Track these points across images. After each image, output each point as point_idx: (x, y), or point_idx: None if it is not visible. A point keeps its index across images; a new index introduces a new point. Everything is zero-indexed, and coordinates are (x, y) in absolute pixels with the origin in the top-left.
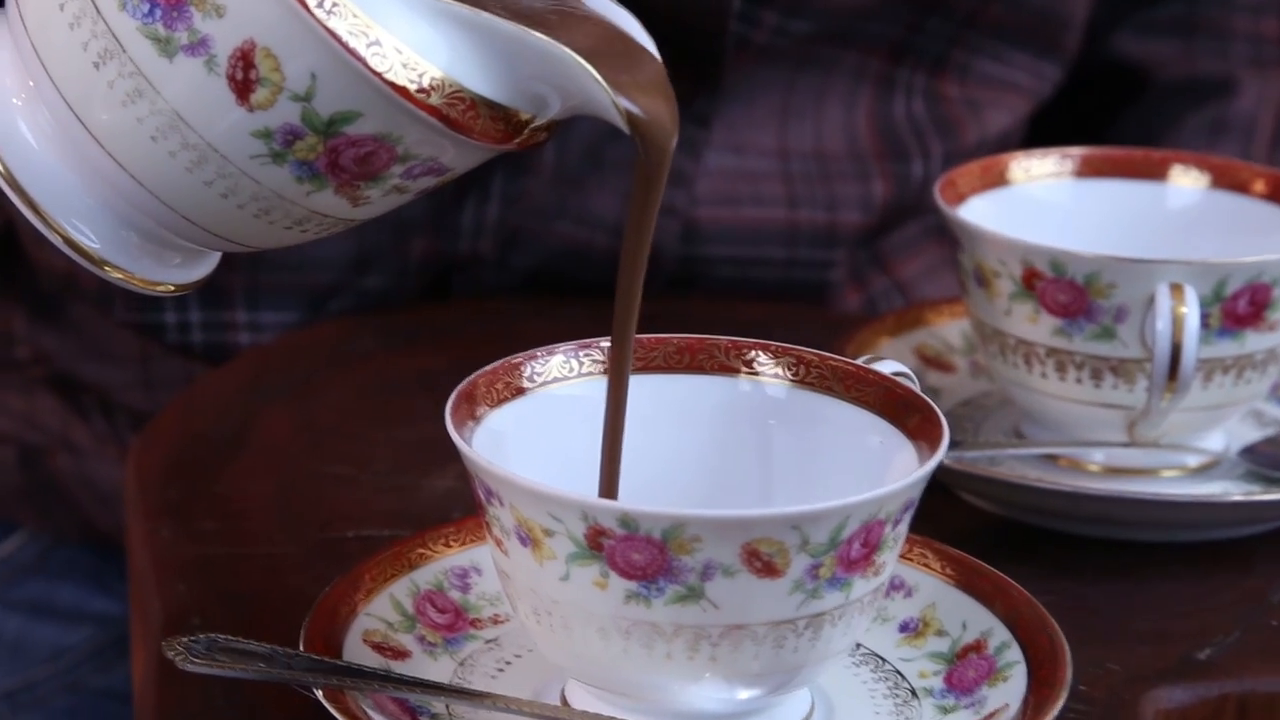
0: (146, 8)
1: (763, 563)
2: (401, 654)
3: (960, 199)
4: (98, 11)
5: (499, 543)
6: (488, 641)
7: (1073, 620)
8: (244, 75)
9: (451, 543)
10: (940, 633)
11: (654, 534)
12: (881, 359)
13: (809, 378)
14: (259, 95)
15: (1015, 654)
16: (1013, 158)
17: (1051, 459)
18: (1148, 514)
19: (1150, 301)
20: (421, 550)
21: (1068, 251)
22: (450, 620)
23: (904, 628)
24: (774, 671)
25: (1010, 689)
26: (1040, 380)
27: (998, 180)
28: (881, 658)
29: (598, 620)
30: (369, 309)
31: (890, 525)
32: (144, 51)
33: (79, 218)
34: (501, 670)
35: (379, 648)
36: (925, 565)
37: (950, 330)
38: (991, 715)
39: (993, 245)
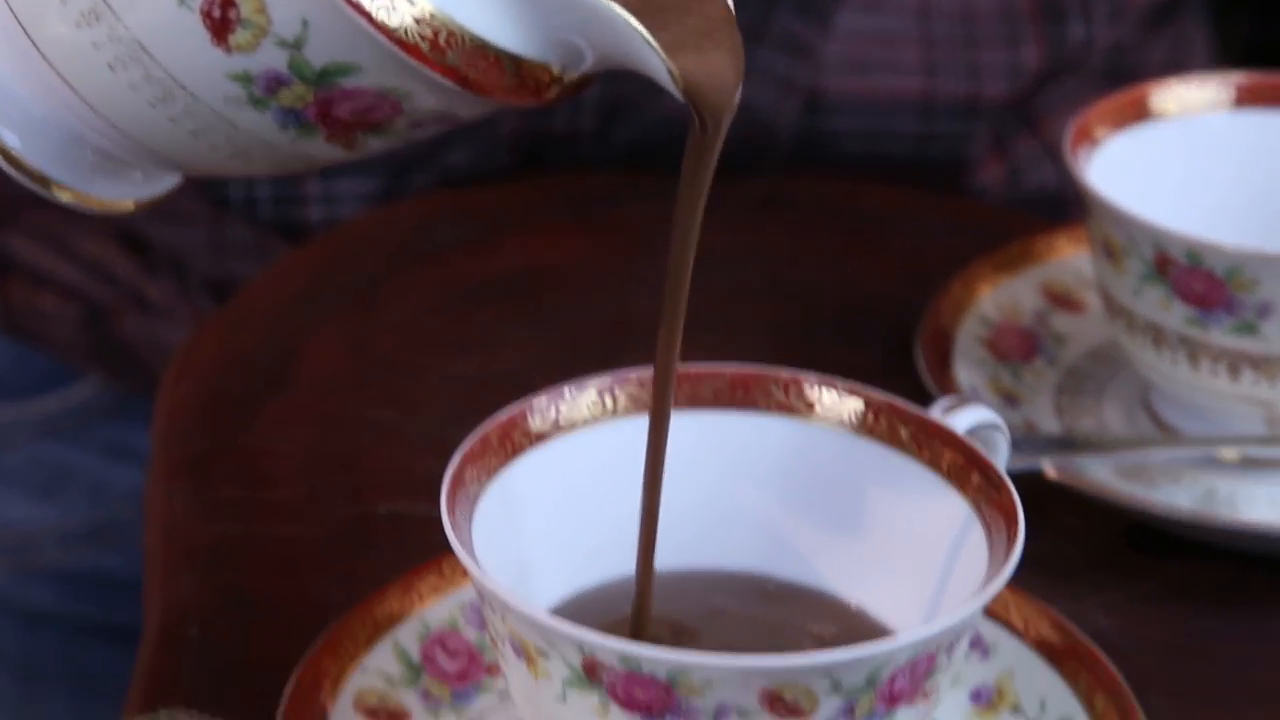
0: None
1: (786, 706)
2: (399, 717)
3: (1094, 143)
4: None
5: (494, 643)
6: (501, 694)
7: (1178, 669)
8: (222, 13)
9: None
10: (1015, 709)
11: (658, 675)
12: (969, 404)
13: (877, 428)
14: (239, 37)
15: None
16: (1161, 86)
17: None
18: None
19: None
20: (435, 578)
21: (1206, 243)
22: (462, 667)
23: (976, 697)
24: None
25: None
26: (1170, 366)
27: (1141, 113)
28: None
29: None
30: (454, 184)
31: (944, 653)
32: None
33: (21, 130)
34: None
35: (373, 714)
36: (1007, 620)
37: (1084, 260)
38: None
39: (1121, 223)
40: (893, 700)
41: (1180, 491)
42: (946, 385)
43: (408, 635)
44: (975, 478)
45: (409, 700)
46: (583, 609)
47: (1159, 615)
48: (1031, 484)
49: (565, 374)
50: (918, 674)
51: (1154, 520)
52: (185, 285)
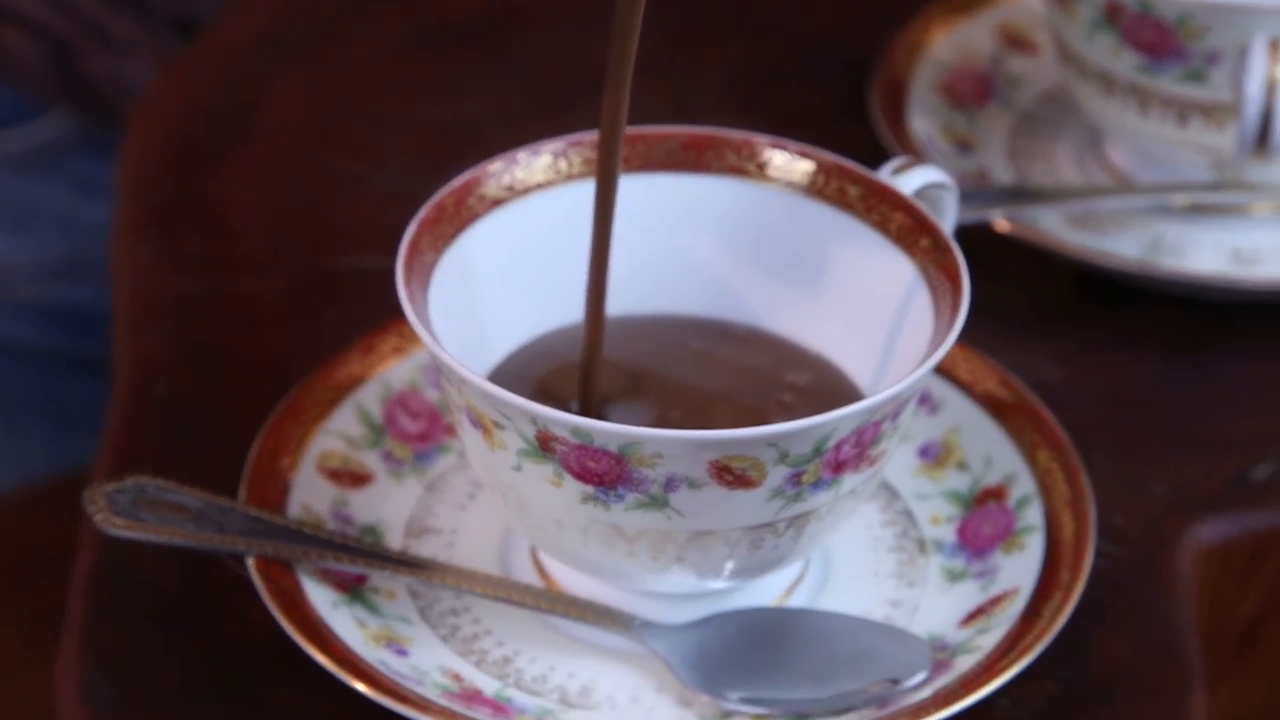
0: None
1: (734, 476)
2: (362, 479)
3: None
4: None
5: (452, 412)
6: (462, 454)
7: (1121, 421)
8: None
9: None
10: (961, 465)
11: (610, 448)
12: (918, 165)
13: (827, 189)
14: None
15: (1036, 515)
16: None
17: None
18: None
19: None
20: (396, 339)
21: None
22: (424, 428)
23: (924, 453)
24: (751, 568)
25: (1024, 565)
26: (1120, 113)
27: None
28: (895, 492)
29: (554, 513)
30: None
31: (889, 421)
32: None
33: None
34: (473, 498)
35: (335, 476)
36: (955, 377)
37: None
38: (999, 599)
39: None
40: (839, 468)
41: (1129, 239)
42: (900, 135)
43: (369, 397)
44: (923, 241)
45: (371, 462)
46: (536, 355)
47: (1105, 366)
48: (982, 236)
49: (529, 122)
50: (863, 442)
51: (1102, 270)
52: (147, 20)
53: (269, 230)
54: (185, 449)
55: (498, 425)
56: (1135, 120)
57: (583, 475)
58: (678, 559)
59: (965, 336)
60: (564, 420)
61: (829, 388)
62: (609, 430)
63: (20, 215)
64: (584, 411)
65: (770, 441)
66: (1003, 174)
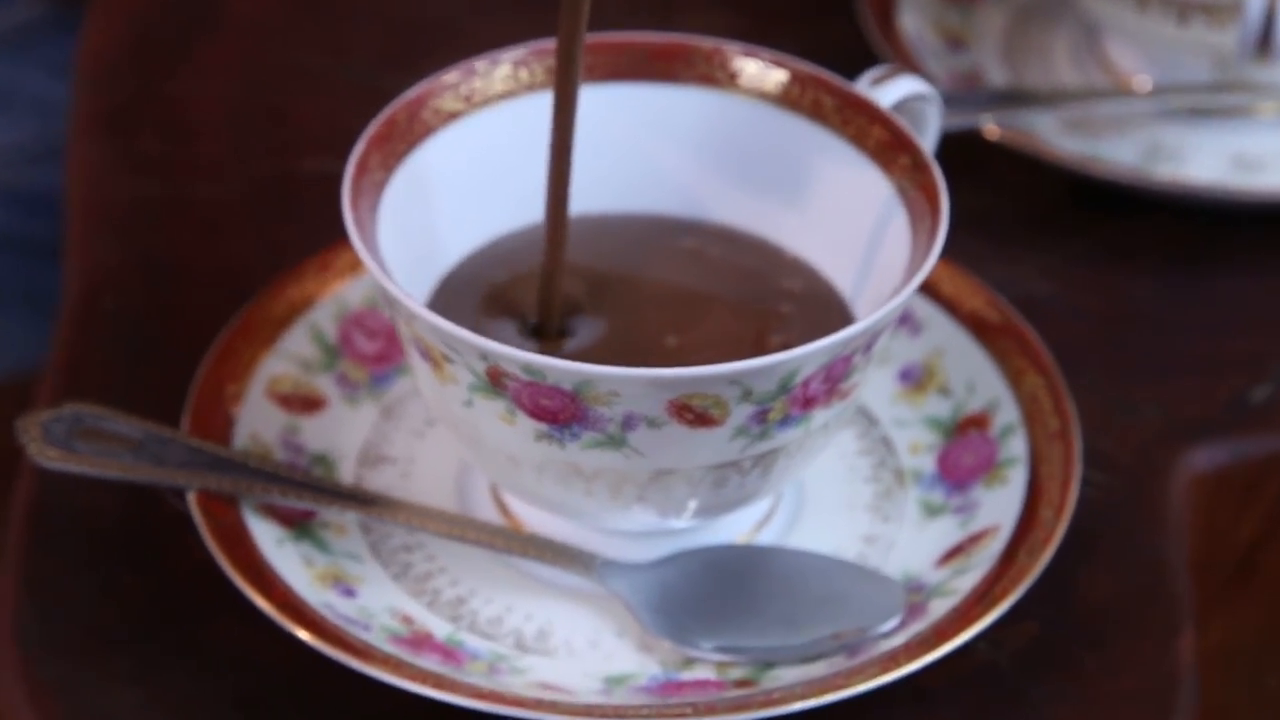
0: None
1: (695, 415)
2: (314, 404)
3: None
4: None
5: (401, 344)
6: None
7: (1112, 339)
8: None
9: None
10: (944, 391)
11: (563, 385)
12: (898, 75)
13: (802, 101)
14: None
15: (1020, 447)
16: None
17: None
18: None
19: None
20: (353, 255)
21: None
22: (381, 348)
23: (904, 376)
24: (716, 506)
25: (1006, 501)
26: (1117, 9)
27: None
28: (873, 419)
29: (507, 449)
30: None
31: (861, 354)
32: None
33: None
34: (430, 425)
35: (286, 401)
36: (939, 295)
37: None
38: (978, 537)
39: None
40: (807, 404)
41: (1125, 144)
42: (889, 32)
43: (324, 316)
44: (902, 158)
45: (325, 386)
46: (493, 259)
47: (1097, 280)
48: (972, 141)
49: (507, 15)
50: (834, 376)
51: (1096, 178)
52: None
53: (231, 131)
54: (132, 369)
55: (447, 359)
56: (1134, 18)
57: (536, 413)
58: (638, 498)
59: (952, 248)
60: (514, 357)
61: (821, 298)
62: (562, 368)
63: None
64: (544, 324)
65: (733, 379)
66: (996, 74)
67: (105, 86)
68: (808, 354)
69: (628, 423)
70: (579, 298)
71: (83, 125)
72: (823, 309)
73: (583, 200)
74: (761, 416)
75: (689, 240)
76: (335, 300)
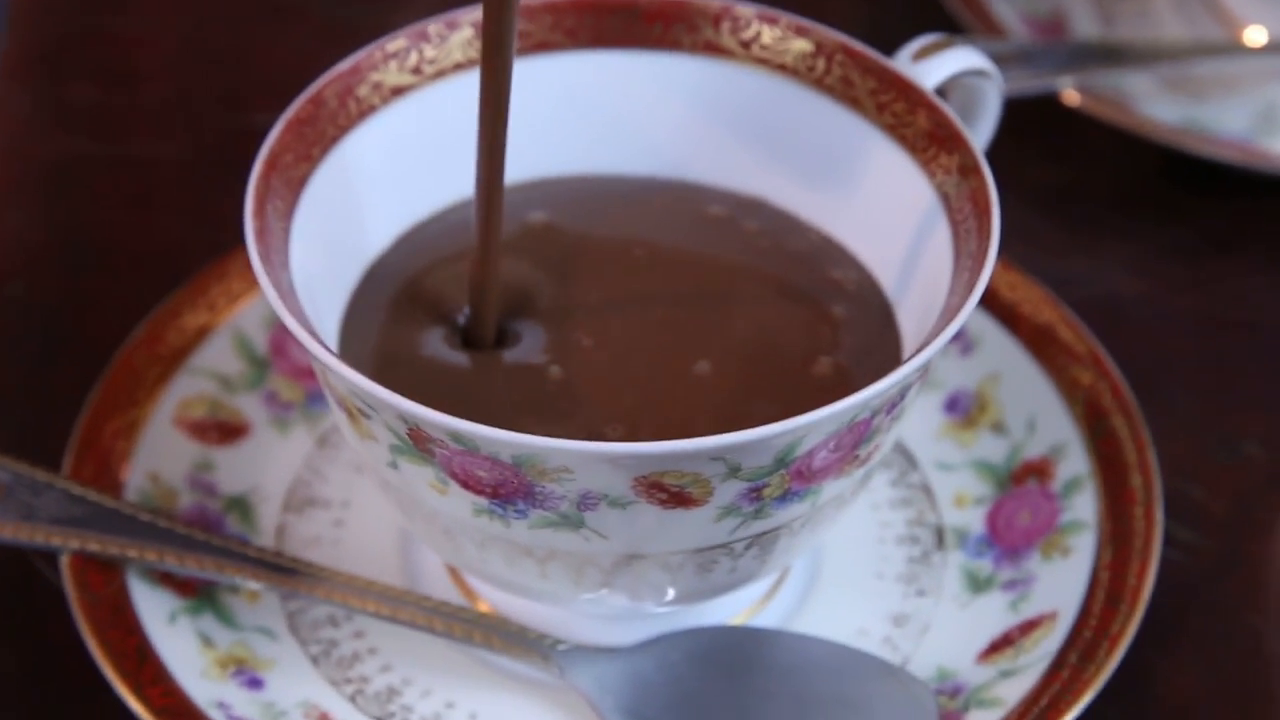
0: None
1: (669, 494)
2: (234, 432)
3: None
4: None
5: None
6: None
7: (1210, 352)
8: None
9: None
10: (998, 428)
11: (500, 457)
12: (951, 45)
13: (829, 78)
14: None
15: (1087, 508)
16: None
17: None
18: None
19: None
20: None
21: None
22: None
23: (951, 406)
24: (702, 592)
25: (1067, 579)
26: None
27: None
28: (912, 458)
29: (442, 521)
30: None
31: (884, 414)
32: None
33: None
34: None
35: (199, 430)
36: (994, 307)
37: None
38: (1032, 625)
39: None
40: (813, 477)
41: (1234, 108)
42: None
43: (251, 320)
44: (946, 157)
45: (249, 408)
46: (427, 242)
47: (1192, 276)
48: (1047, 107)
49: None
50: (845, 445)
51: (1196, 155)
52: None
53: (176, 76)
54: (29, 378)
55: (362, 414)
56: None
57: (471, 485)
58: (603, 584)
59: (1018, 236)
60: (437, 422)
61: (864, 296)
62: (496, 438)
63: None
64: (475, 328)
65: (714, 455)
66: (1084, 23)
67: (37, 22)
68: (808, 424)
69: (584, 502)
70: (532, 284)
71: (8, 68)
72: (874, 314)
73: (557, 162)
74: (755, 494)
75: (686, 204)
76: (267, 300)
